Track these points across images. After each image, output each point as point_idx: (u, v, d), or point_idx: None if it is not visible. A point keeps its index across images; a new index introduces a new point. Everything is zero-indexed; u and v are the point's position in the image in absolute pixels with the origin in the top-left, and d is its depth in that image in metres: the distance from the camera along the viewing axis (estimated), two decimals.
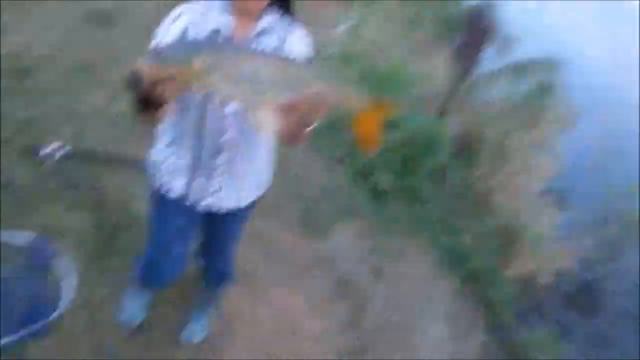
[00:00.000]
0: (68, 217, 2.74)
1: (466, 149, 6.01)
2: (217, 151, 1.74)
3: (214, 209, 1.87)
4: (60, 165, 3.01)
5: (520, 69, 6.46)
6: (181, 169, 1.80)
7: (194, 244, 2.15)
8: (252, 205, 1.96)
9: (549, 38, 8.81)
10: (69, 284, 2.36)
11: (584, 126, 6.74)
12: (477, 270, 4.36)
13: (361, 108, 1.43)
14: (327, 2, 7.24)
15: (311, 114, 1.41)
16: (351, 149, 4.39)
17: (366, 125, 1.45)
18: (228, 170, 1.78)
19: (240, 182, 1.83)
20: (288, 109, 1.38)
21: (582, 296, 5.81)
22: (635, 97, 8.74)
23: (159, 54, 1.32)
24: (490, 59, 6.99)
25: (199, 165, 1.77)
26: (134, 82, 1.32)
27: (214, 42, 1.52)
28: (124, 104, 3.48)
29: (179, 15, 1.58)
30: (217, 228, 2.04)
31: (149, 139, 1.87)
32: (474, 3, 7.62)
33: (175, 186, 1.84)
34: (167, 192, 1.86)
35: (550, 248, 5.34)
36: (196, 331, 2.48)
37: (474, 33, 6.88)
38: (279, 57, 1.47)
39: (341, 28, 6.55)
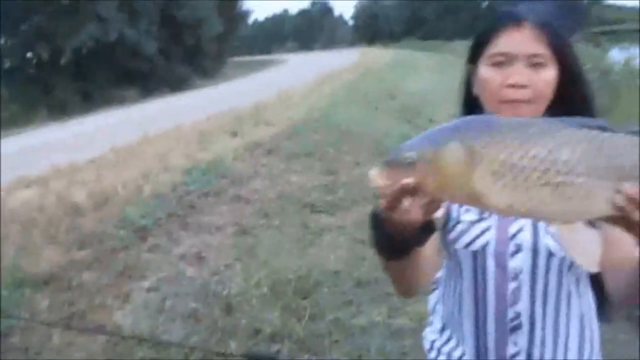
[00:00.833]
0: None
1: None
2: (506, 335, 1.22)
3: None
4: None
5: None
6: None
7: None
8: None
9: None
10: None
11: None
12: None
13: None
14: None
15: None
16: None
17: None
18: None
19: None
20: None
21: None
22: None
23: (392, 154, 0.91)
24: None
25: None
26: (374, 216, 1.00)
27: (477, 120, 0.95)
28: (406, 316, 3.15)
29: None
30: None
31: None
32: None
33: None
34: None
35: None
36: None
37: None
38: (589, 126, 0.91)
39: None
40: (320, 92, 15.69)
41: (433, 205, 0.93)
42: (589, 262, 0.85)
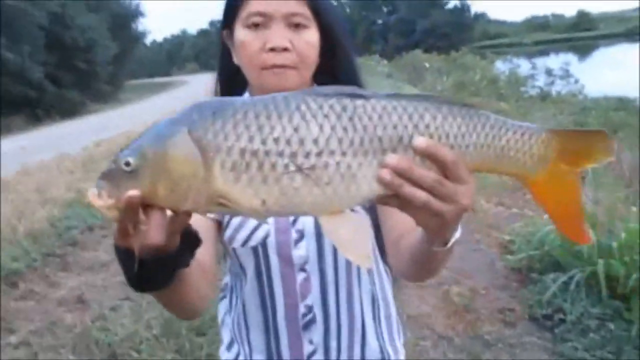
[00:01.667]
0: None
1: None
2: (299, 334, 1.11)
3: None
4: None
5: None
6: None
7: None
8: None
9: None
10: None
11: None
12: None
13: (548, 155, 0.79)
14: None
15: (459, 195, 0.72)
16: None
17: (562, 188, 0.81)
18: None
19: None
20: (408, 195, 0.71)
21: None
22: None
23: (109, 164, 0.71)
24: None
25: None
26: (115, 246, 0.76)
27: (207, 104, 0.73)
28: None
29: None
30: None
31: None
32: None
33: None
34: None
35: None
36: None
37: None
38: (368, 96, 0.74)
39: None
40: None
41: (177, 220, 0.71)
42: (360, 256, 0.72)
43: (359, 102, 0.71)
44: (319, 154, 0.68)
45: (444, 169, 0.70)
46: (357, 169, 0.70)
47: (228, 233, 1.08)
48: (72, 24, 28.66)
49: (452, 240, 0.82)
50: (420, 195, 0.70)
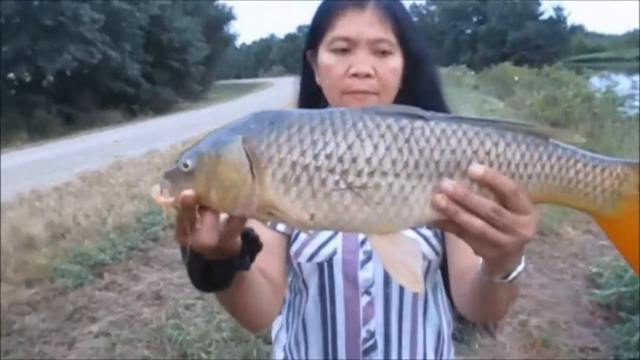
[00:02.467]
0: None
1: None
2: (359, 352, 1.08)
3: None
4: None
5: None
6: None
7: None
8: None
9: None
10: None
11: None
12: None
13: (623, 191, 0.73)
14: None
15: (519, 225, 0.69)
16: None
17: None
18: None
19: None
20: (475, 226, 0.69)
21: None
22: None
23: (173, 163, 0.73)
24: None
25: None
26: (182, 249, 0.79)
27: (265, 114, 0.73)
28: None
29: None
30: None
31: None
32: None
33: None
34: None
35: None
36: None
37: None
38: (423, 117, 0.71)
39: None
40: None
41: (232, 222, 0.72)
42: (408, 279, 0.69)
43: (418, 123, 0.69)
44: (371, 174, 0.67)
45: (503, 198, 0.67)
46: (410, 192, 0.68)
47: (295, 247, 1.08)
48: (170, 25, 30.22)
49: (515, 273, 0.78)
50: (477, 223, 0.67)
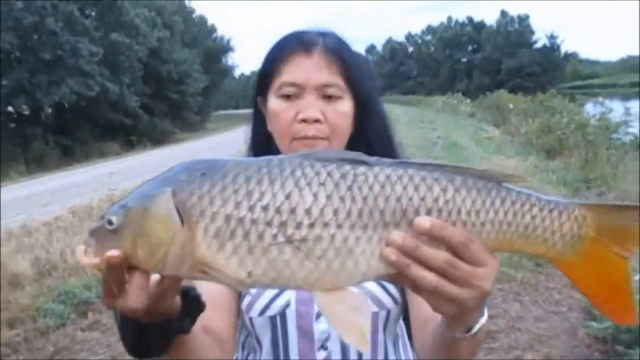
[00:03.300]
0: None
1: None
2: None
3: None
4: None
5: None
6: None
7: None
8: None
9: None
10: None
11: None
12: None
13: (583, 234, 0.69)
14: None
15: (476, 278, 0.65)
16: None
17: (604, 272, 0.70)
18: None
19: None
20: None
21: None
22: None
23: (99, 220, 0.67)
24: None
25: None
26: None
27: (197, 164, 0.68)
28: None
29: None
30: None
31: None
32: None
33: None
34: None
35: None
36: None
37: None
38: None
39: None
40: None
41: (165, 284, 0.67)
42: (357, 339, 0.64)
43: (361, 169, 0.64)
44: (312, 225, 0.62)
45: (455, 250, 0.63)
46: (355, 244, 0.63)
47: (246, 301, 1.03)
48: (168, 57, 30.62)
49: (477, 326, 0.73)
50: (430, 278, 0.62)
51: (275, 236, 0.62)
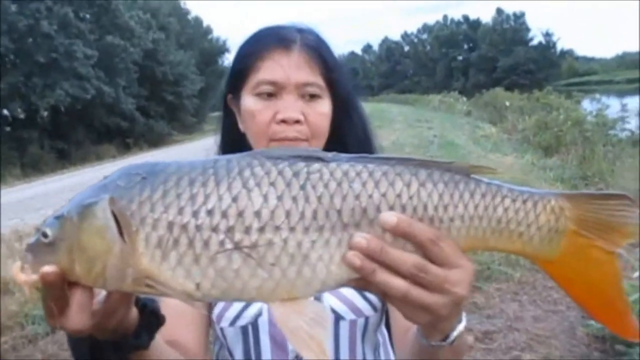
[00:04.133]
0: None
1: None
2: None
3: None
4: None
5: None
6: None
7: None
8: None
9: None
10: None
11: None
12: None
13: (561, 227, 0.63)
14: None
15: (449, 282, 0.59)
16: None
17: (589, 269, 0.64)
18: None
19: None
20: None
21: None
22: None
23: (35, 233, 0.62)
24: None
25: None
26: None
27: (136, 168, 0.62)
28: None
29: None
30: None
31: None
32: None
33: None
34: None
35: None
36: None
37: None
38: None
39: None
40: None
41: (112, 300, 0.61)
42: (316, 354, 0.58)
43: (315, 166, 0.58)
44: (262, 230, 0.56)
45: (423, 249, 0.56)
46: (310, 248, 0.57)
47: (217, 310, 0.97)
48: (164, 59, 30.55)
49: (455, 333, 0.67)
50: (398, 284, 0.56)
51: (222, 243, 0.56)
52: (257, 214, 0.56)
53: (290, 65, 0.95)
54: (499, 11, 77.21)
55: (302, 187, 0.57)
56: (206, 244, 0.56)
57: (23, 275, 0.60)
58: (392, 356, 1.04)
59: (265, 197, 0.57)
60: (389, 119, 23.69)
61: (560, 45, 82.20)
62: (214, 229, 0.56)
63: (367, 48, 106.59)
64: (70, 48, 22.87)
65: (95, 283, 0.59)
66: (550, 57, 74.60)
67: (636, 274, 3.77)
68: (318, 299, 0.90)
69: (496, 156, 11.02)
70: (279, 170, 0.58)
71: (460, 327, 0.68)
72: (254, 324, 0.95)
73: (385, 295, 0.59)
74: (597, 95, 14.00)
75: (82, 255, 0.57)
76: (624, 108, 10.68)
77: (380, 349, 1.03)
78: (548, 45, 75.81)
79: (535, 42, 76.17)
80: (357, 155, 0.61)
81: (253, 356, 0.95)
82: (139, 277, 0.57)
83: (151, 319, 0.72)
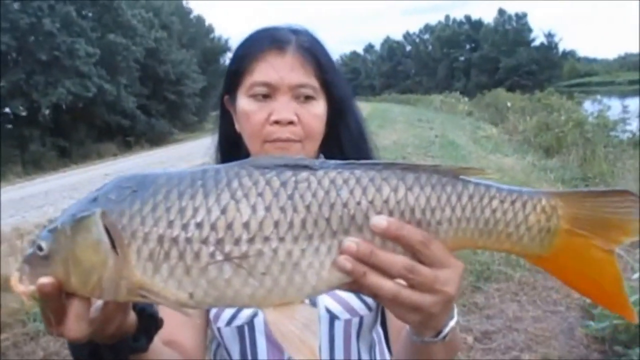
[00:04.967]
0: None
1: None
2: None
3: None
4: None
5: None
6: None
7: None
8: None
9: None
10: None
11: None
12: None
13: (553, 227, 0.63)
14: None
15: (439, 282, 0.60)
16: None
17: (586, 267, 0.64)
18: None
19: None
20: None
21: None
22: None
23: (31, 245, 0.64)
24: None
25: None
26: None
27: (128, 180, 0.63)
28: None
29: None
30: None
31: None
32: None
33: None
34: None
35: None
36: None
37: None
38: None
39: None
40: None
41: (109, 309, 0.63)
42: (306, 356, 0.59)
43: (303, 175, 0.59)
44: (251, 240, 0.58)
45: (413, 252, 0.58)
46: (300, 257, 0.58)
47: (213, 311, 0.99)
48: (166, 58, 30.57)
49: (447, 329, 0.68)
50: (388, 285, 0.58)
51: (212, 255, 0.57)
52: (246, 225, 0.57)
53: (284, 67, 0.96)
54: (501, 12, 77.14)
55: (290, 197, 0.58)
56: (197, 256, 0.57)
57: (21, 286, 0.61)
58: (387, 355, 1.05)
59: (254, 208, 0.58)
60: (391, 119, 23.68)
61: (562, 46, 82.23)
62: (204, 241, 0.57)
63: (369, 48, 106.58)
64: (72, 46, 22.88)
65: (91, 294, 0.61)
66: (552, 58, 74.49)
67: (636, 275, 3.77)
68: (313, 301, 0.92)
69: (497, 157, 11.02)
70: (267, 180, 0.59)
71: (452, 323, 0.69)
72: (250, 324, 0.96)
73: (376, 297, 0.60)
74: (599, 97, 13.99)
75: (77, 268, 0.59)
76: (625, 109, 10.67)
77: (376, 348, 1.03)
78: (550, 46, 75.68)
79: (537, 42, 76.09)
80: (344, 161, 0.62)
81: (249, 356, 0.96)
82: (133, 288, 0.59)
83: (149, 322, 0.74)
